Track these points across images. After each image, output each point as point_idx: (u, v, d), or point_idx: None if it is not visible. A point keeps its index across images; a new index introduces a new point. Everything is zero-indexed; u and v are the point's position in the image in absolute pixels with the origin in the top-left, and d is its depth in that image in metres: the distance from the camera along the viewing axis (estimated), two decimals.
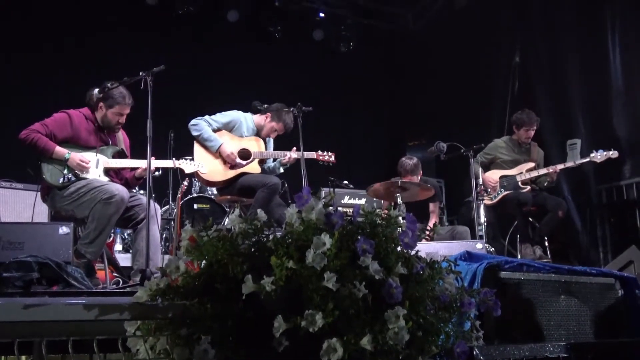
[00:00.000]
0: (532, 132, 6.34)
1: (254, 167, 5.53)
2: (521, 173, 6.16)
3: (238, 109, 5.77)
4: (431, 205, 6.57)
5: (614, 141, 6.70)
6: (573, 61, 7.46)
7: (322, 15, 9.42)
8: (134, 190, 4.97)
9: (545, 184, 6.17)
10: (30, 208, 4.77)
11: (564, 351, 2.55)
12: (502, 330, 2.59)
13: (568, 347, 2.55)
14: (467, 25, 8.95)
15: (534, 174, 6.13)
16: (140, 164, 4.66)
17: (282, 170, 5.79)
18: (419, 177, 6.45)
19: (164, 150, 6.48)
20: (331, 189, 6.78)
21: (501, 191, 6.17)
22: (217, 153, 5.43)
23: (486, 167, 6.35)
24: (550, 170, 6.02)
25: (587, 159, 5.90)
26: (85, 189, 4.34)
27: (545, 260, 5.67)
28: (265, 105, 5.56)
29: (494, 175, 6.26)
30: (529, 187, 6.12)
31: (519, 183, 6.13)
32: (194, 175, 5.55)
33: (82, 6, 7.76)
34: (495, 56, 8.61)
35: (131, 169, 4.78)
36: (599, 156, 5.85)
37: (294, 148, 5.53)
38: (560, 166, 6.04)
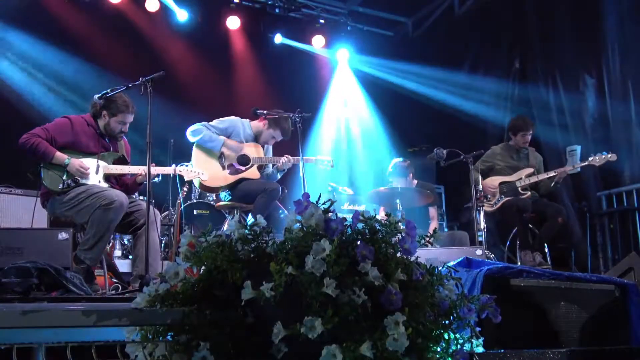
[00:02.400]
0: (529, 137, 6.33)
1: (253, 173, 5.52)
2: (520, 179, 6.15)
3: (238, 115, 5.77)
4: (431, 210, 6.57)
5: (613, 147, 6.70)
6: (572, 67, 7.47)
7: (322, 21, 9.43)
8: (134, 196, 4.96)
9: (552, 185, 6.13)
10: (29, 214, 4.76)
11: (564, 358, 2.54)
12: (502, 336, 2.58)
13: (568, 354, 2.54)
14: (466, 32, 8.98)
15: (534, 179, 6.12)
16: (141, 170, 4.66)
17: (279, 175, 5.79)
18: (411, 179, 6.45)
19: (164, 157, 6.49)
20: (331, 195, 6.78)
21: (501, 197, 6.16)
22: (219, 156, 5.43)
23: (485, 175, 6.34)
24: (558, 172, 5.97)
25: (586, 163, 5.89)
26: (85, 195, 4.34)
27: (545, 266, 5.66)
28: (265, 111, 5.57)
29: (493, 181, 6.26)
30: (528, 193, 6.11)
31: (519, 189, 6.12)
32: (196, 184, 5.58)
33: (82, 12, 7.77)
34: (494, 62, 8.63)
35: (131, 175, 4.79)
36: (597, 159, 5.84)
37: (286, 155, 5.55)
38: (568, 168, 6.01)
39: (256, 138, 5.72)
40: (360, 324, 1.62)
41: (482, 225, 5.74)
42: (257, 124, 5.70)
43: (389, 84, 9.56)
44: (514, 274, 2.97)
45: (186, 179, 5.09)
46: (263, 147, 5.74)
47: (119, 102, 4.55)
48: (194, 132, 5.44)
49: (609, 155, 5.83)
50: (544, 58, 7.90)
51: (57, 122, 4.56)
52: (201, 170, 5.05)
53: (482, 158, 6.41)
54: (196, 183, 5.60)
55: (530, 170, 6.21)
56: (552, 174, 6.04)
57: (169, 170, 4.86)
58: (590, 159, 5.87)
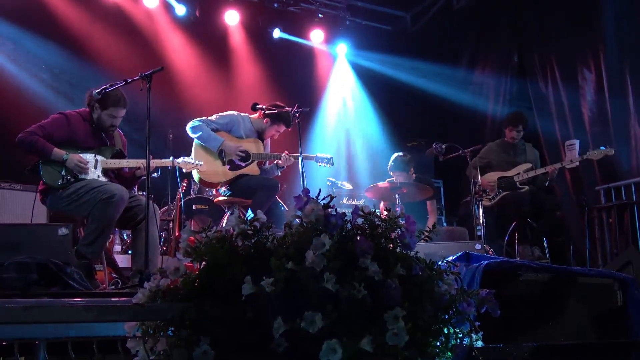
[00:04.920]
0: (516, 133, 6.33)
1: (253, 169, 5.53)
2: (519, 174, 6.16)
3: (237, 110, 5.77)
4: (429, 205, 6.58)
5: (612, 141, 6.70)
6: (570, 61, 7.47)
7: (320, 16, 9.41)
8: (134, 191, 4.97)
9: (546, 184, 6.17)
10: (29, 209, 4.77)
11: (562, 352, 2.55)
12: (501, 330, 2.59)
13: (567, 348, 2.55)
14: (465, 26, 8.96)
15: (532, 174, 6.12)
16: (139, 163, 4.66)
17: (279, 173, 5.80)
18: (412, 174, 6.46)
19: (162, 152, 6.49)
20: (330, 190, 6.78)
21: (499, 192, 6.17)
22: (218, 153, 5.43)
23: (483, 171, 6.35)
24: (549, 170, 6.02)
25: (585, 157, 5.90)
26: (85, 190, 4.35)
27: (543, 260, 5.67)
28: (265, 106, 5.56)
29: (491, 177, 6.27)
30: (526, 188, 6.12)
31: (517, 183, 6.13)
32: (196, 179, 5.58)
33: (80, 7, 7.75)
34: (492, 57, 8.62)
35: (129, 168, 4.79)
36: (595, 153, 5.85)
37: (286, 152, 5.55)
38: (558, 165, 6.05)
39: (258, 133, 5.72)
40: (360, 319, 1.62)
41: (481, 219, 5.75)
42: (258, 121, 5.70)
43: (387, 79, 9.53)
44: (512, 268, 2.98)
45: (185, 170, 5.09)
46: (263, 142, 5.74)
47: (110, 95, 4.54)
48: (194, 129, 5.44)
49: (607, 150, 5.84)
50: (542, 52, 7.90)
51: (53, 119, 4.57)
52: (199, 160, 5.05)
53: (479, 154, 6.42)
54: (196, 178, 5.60)
55: (529, 165, 6.22)
56: (541, 171, 6.07)
57: (167, 162, 4.87)
58: (589, 153, 5.88)
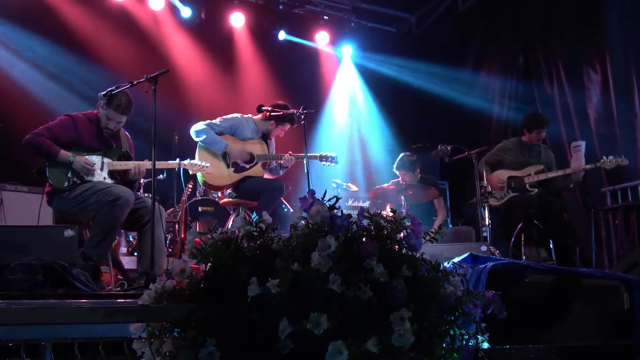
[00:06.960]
0: (544, 134, 6.32)
1: (258, 170, 5.53)
2: (529, 175, 6.13)
3: (242, 112, 5.77)
4: (436, 202, 6.57)
5: (618, 142, 6.68)
6: (575, 63, 7.46)
7: (325, 18, 9.43)
8: (139, 193, 4.98)
9: (572, 185, 6.13)
10: (35, 211, 4.78)
11: (568, 354, 2.54)
12: (507, 332, 2.58)
13: (573, 350, 2.54)
14: (469, 28, 8.95)
15: (542, 176, 6.10)
16: (145, 165, 4.67)
17: (281, 172, 5.80)
18: (418, 174, 6.45)
19: (169, 153, 6.51)
20: (335, 192, 6.78)
21: (508, 192, 6.15)
22: (222, 155, 5.43)
23: (494, 168, 6.33)
24: (575, 169, 5.94)
25: (598, 165, 5.85)
26: (91, 192, 4.35)
27: (549, 262, 5.66)
28: (270, 108, 5.56)
29: (502, 175, 6.24)
30: (535, 190, 6.09)
31: (527, 185, 6.11)
32: (201, 182, 5.58)
33: (86, 9, 7.77)
34: (497, 58, 8.61)
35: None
36: (608, 162, 5.81)
37: (290, 152, 5.55)
38: (569, 170, 6.00)
39: (262, 134, 5.72)
40: (366, 320, 1.62)
41: (487, 221, 5.73)
42: (262, 122, 5.69)
43: (392, 80, 9.54)
44: (519, 270, 2.97)
45: (191, 172, 5.09)
46: (268, 143, 5.74)
47: (114, 100, 4.55)
48: (198, 132, 5.44)
49: (621, 160, 5.80)
50: (547, 54, 7.89)
51: (60, 121, 4.58)
52: (205, 162, 5.04)
53: (493, 151, 6.40)
54: (200, 181, 5.60)
55: (540, 167, 6.19)
56: (552, 174, 6.03)
57: (173, 164, 4.87)
58: (602, 161, 5.82)
